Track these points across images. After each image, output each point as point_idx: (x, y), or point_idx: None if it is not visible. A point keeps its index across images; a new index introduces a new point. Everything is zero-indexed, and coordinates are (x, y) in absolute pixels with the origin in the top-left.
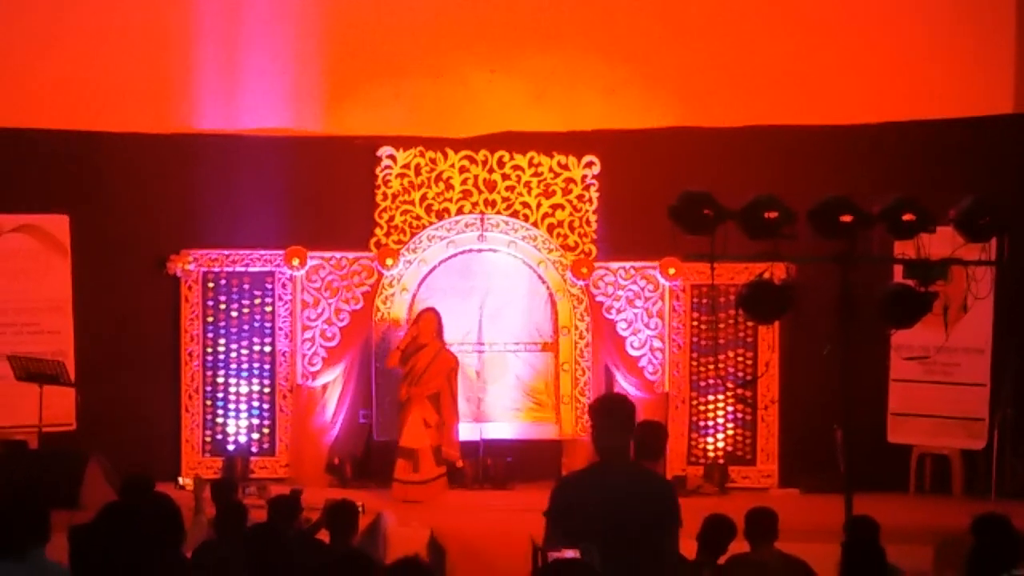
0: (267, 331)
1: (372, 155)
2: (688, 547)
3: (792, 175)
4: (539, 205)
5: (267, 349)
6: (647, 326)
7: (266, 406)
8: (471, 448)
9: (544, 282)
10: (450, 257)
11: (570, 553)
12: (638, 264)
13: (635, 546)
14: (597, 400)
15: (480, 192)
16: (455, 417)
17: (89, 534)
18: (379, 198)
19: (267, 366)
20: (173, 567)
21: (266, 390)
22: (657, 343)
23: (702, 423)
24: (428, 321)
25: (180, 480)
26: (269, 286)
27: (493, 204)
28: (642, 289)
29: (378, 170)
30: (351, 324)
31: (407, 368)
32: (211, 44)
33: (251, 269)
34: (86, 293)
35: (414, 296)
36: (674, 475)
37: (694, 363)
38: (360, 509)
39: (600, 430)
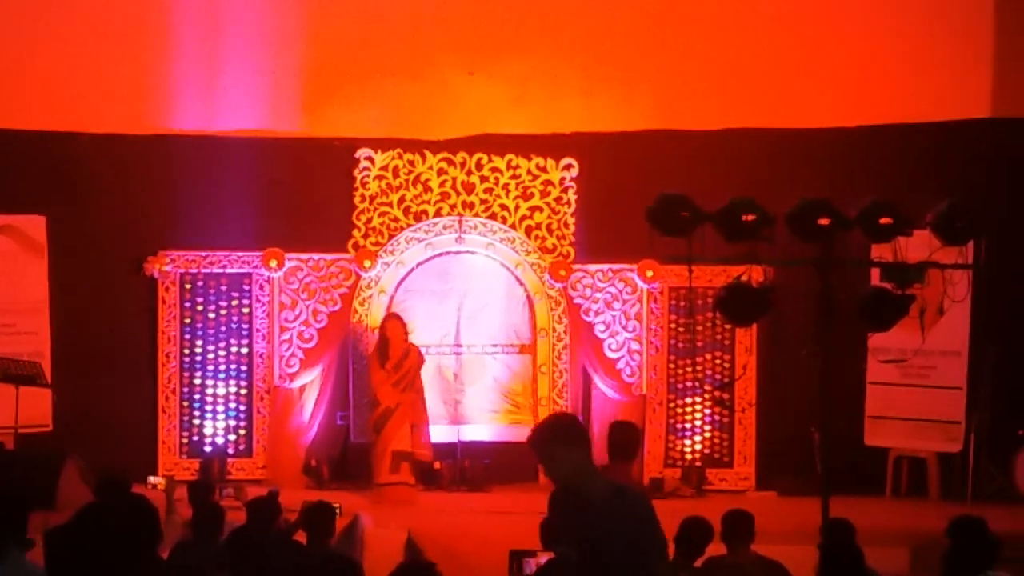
0: (244, 332)
1: (350, 157)
2: None
3: (770, 178)
4: (517, 207)
5: (244, 351)
6: (625, 328)
7: (243, 408)
8: (448, 450)
9: (522, 284)
10: (428, 259)
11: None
12: (616, 266)
13: (620, 570)
14: (535, 433)
15: (458, 194)
16: (427, 417)
17: (64, 536)
18: (357, 200)
19: (244, 368)
20: (149, 568)
21: (243, 392)
22: (635, 345)
23: (679, 425)
24: (396, 328)
25: (150, 480)
26: (247, 287)
27: (471, 206)
28: (620, 291)
29: (356, 172)
30: (329, 326)
31: (399, 375)
32: (189, 45)
33: (228, 270)
34: (63, 294)
35: (392, 298)
36: (651, 477)
37: (672, 365)
38: (337, 511)
39: (550, 463)
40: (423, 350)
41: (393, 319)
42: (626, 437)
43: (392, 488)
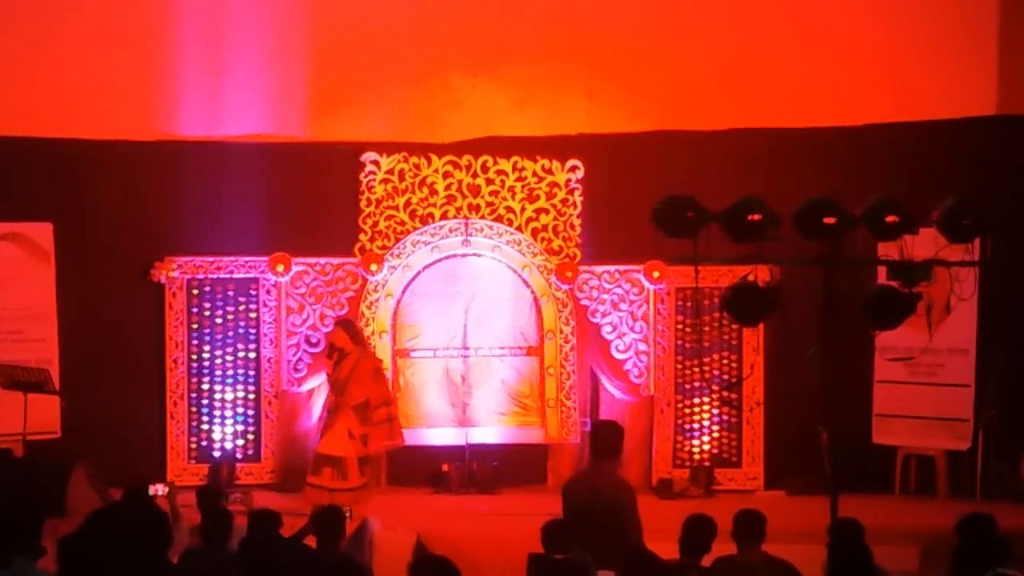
0: (252, 337)
1: (356, 161)
2: (672, 550)
3: (775, 177)
4: (523, 209)
5: (252, 355)
6: (632, 329)
7: (251, 412)
8: (457, 452)
9: (529, 286)
10: (435, 262)
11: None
12: (622, 267)
13: None
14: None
15: (464, 197)
16: (387, 414)
17: (76, 543)
18: (363, 204)
19: (252, 372)
20: (159, 573)
21: (251, 396)
22: (642, 346)
23: (688, 426)
24: (337, 334)
25: (152, 488)
26: (254, 292)
27: (477, 209)
28: (627, 292)
29: (362, 176)
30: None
31: (333, 378)
32: (194, 51)
33: (235, 275)
34: (70, 301)
35: (399, 301)
36: (660, 478)
37: (679, 366)
38: (347, 514)
39: None
40: (431, 353)
41: (336, 327)
42: (608, 434)
43: (309, 489)
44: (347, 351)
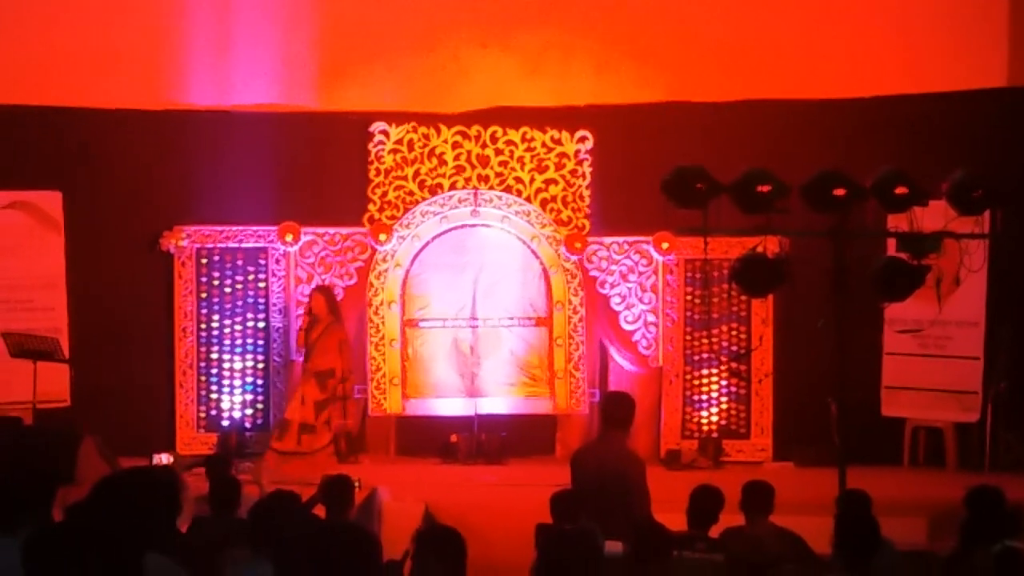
0: (261, 307)
1: (365, 131)
2: (680, 521)
3: (785, 149)
4: (532, 180)
5: (261, 325)
6: (641, 300)
7: (260, 382)
8: (465, 423)
9: (538, 257)
10: (443, 232)
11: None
12: (631, 239)
13: None
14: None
15: (473, 167)
16: (342, 391)
17: (85, 511)
18: (372, 174)
19: (261, 342)
20: (167, 541)
21: (260, 366)
22: (651, 317)
23: (696, 397)
24: (315, 299)
25: (157, 457)
26: (263, 262)
27: (486, 179)
28: (636, 263)
29: (371, 146)
30: (345, 299)
31: (304, 342)
32: (203, 19)
33: (244, 245)
34: (80, 270)
35: (407, 271)
36: (668, 449)
37: (688, 337)
38: (356, 484)
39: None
40: (440, 323)
41: (316, 292)
42: (617, 406)
43: (270, 454)
44: (321, 318)
